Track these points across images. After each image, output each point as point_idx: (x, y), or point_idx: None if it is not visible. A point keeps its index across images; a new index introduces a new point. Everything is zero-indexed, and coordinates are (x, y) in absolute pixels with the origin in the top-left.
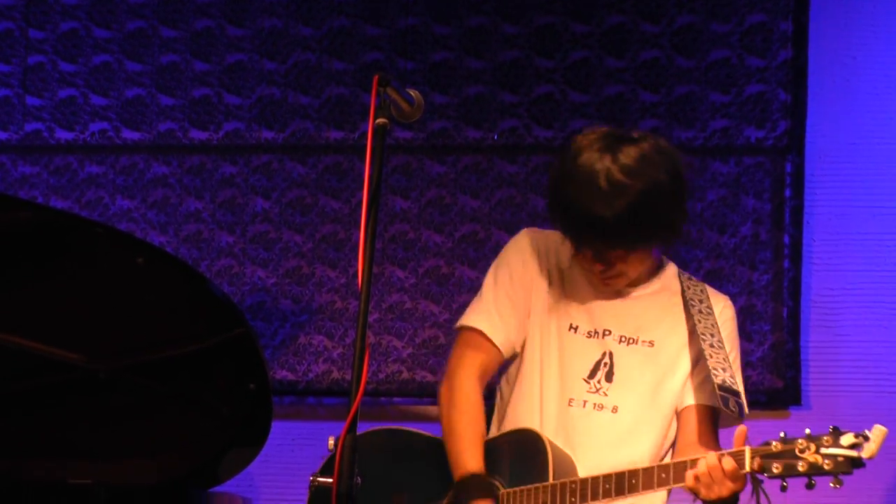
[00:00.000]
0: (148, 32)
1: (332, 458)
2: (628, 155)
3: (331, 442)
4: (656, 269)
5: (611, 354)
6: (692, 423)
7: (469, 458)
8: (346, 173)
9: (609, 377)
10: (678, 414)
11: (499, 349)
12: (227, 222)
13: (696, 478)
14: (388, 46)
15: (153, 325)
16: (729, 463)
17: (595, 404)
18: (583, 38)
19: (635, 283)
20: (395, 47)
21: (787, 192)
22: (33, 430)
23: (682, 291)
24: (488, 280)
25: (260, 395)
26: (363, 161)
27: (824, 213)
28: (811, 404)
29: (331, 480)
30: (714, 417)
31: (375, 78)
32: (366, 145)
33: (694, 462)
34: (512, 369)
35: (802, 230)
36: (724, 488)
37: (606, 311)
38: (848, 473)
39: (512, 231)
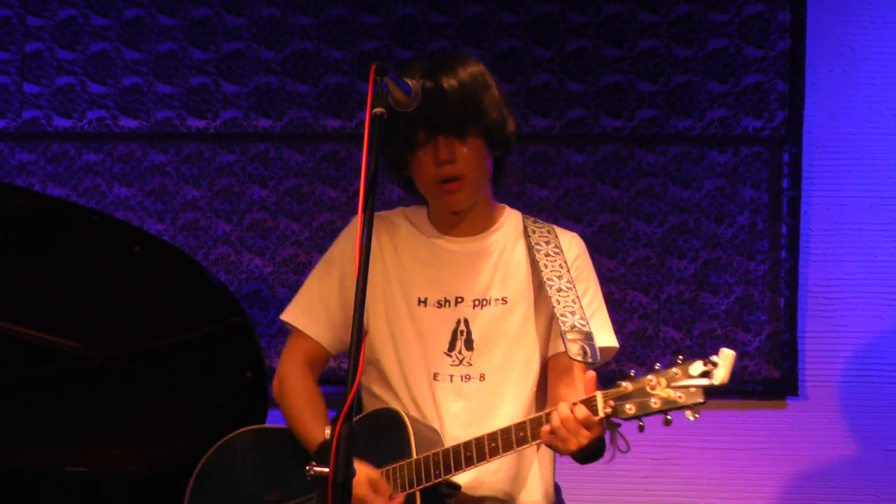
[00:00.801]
0: (146, 21)
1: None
2: (445, 55)
3: (327, 431)
4: (496, 216)
5: (466, 321)
6: (567, 372)
7: (316, 428)
8: (343, 162)
9: (469, 345)
10: (546, 364)
11: (318, 343)
12: (225, 211)
13: (552, 432)
14: (385, 35)
15: (150, 314)
16: (581, 411)
17: (462, 376)
18: (580, 28)
19: (475, 231)
20: (392, 36)
21: (785, 183)
22: (29, 419)
23: (527, 237)
24: (315, 270)
25: (256, 384)
26: (360, 150)
27: (822, 204)
28: (808, 394)
29: (326, 469)
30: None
31: (373, 67)
32: (363, 134)
33: (548, 416)
34: (367, 353)
35: (800, 220)
36: (582, 437)
37: (452, 277)
38: (701, 404)
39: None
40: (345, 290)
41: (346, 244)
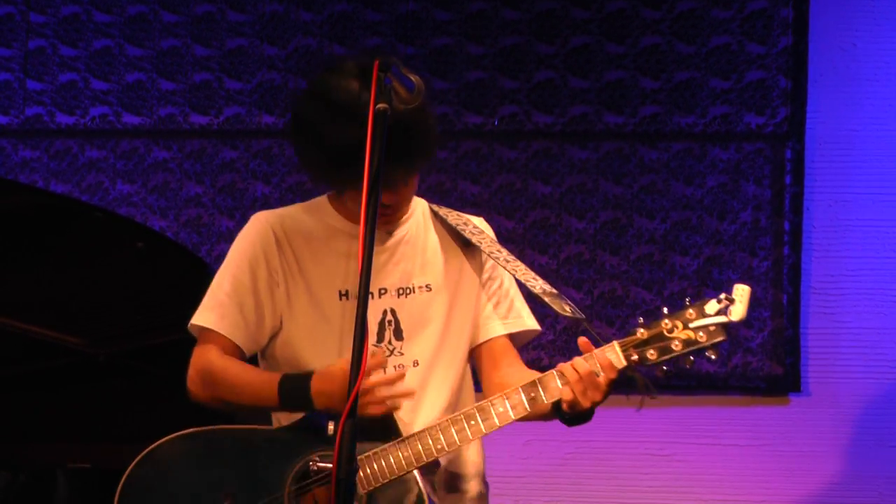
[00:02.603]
0: (149, 17)
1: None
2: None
3: (330, 427)
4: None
5: (393, 311)
6: (505, 354)
7: (270, 378)
8: None
9: (398, 335)
10: (480, 348)
11: (238, 346)
12: (228, 207)
13: (571, 387)
14: (388, 32)
15: (153, 310)
16: (604, 360)
17: (396, 366)
18: (583, 24)
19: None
20: (395, 33)
21: (787, 179)
22: (34, 415)
23: (438, 221)
24: (222, 273)
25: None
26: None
27: (824, 200)
28: (810, 391)
29: (330, 466)
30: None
31: (376, 62)
32: (366, 131)
33: (560, 372)
34: (275, 354)
35: (802, 217)
36: (599, 391)
37: (373, 269)
38: (723, 341)
39: (512, 216)
40: (258, 290)
41: (254, 243)
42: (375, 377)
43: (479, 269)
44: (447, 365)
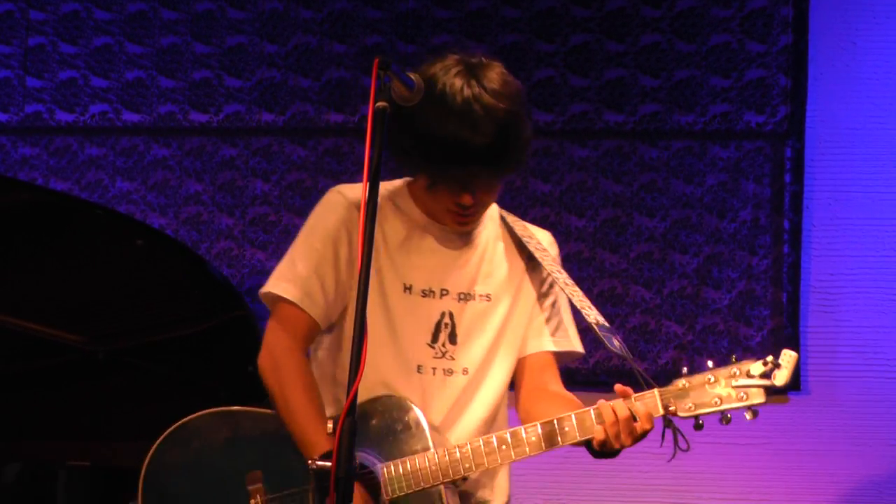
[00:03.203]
0: (149, 14)
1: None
2: (491, 79)
3: (329, 426)
4: None
5: (451, 314)
6: (546, 370)
7: (319, 436)
8: (346, 156)
9: (453, 339)
10: (525, 360)
11: (316, 322)
12: (227, 205)
13: (605, 429)
14: (388, 29)
15: (152, 308)
16: (641, 408)
17: (445, 370)
18: (584, 22)
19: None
20: (395, 30)
21: (787, 177)
22: (32, 412)
23: (510, 230)
24: (303, 244)
25: (259, 379)
26: (363, 144)
27: (824, 198)
28: (810, 389)
29: (329, 464)
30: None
31: (376, 60)
32: (366, 128)
33: (598, 412)
34: (332, 337)
35: (802, 215)
36: (632, 437)
37: (439, 268)
38: (763, 404)
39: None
40: (339, 268)
41: (337, 219)
42: None
43: (539, 284)
44: (493, 378)
